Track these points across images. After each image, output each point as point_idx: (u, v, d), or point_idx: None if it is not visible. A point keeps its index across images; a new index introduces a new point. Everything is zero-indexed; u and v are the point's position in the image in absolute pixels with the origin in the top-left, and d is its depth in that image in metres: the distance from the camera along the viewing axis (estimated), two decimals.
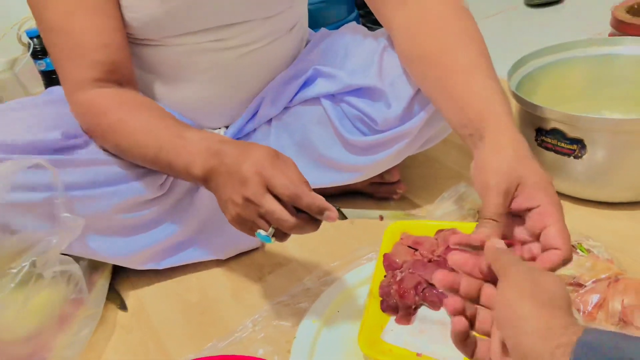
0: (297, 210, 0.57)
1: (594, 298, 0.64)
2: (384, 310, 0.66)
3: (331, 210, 0.57)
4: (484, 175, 0.56)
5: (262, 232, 0.59)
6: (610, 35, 1.25)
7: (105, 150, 0.77)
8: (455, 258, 0.49)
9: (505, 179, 0.54)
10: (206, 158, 0.63)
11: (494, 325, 0.45)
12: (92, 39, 0.72)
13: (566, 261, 0.50)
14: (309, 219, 0.58)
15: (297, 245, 0.88)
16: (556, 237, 0.50)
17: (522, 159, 0.55)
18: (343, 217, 0.58)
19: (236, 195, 0.59)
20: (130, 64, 0.78)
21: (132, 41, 0.80)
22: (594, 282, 0.66)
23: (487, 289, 0.47)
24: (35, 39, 1.73)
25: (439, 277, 0.49)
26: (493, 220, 0.52)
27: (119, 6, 0.75)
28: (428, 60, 0.71)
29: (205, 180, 0.64)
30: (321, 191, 0.93)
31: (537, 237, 0.52)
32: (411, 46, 0.75)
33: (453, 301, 0.47)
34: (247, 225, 0.60)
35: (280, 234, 0.59)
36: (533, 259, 0.51)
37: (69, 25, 0.72)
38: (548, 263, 0.50)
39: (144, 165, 0.75)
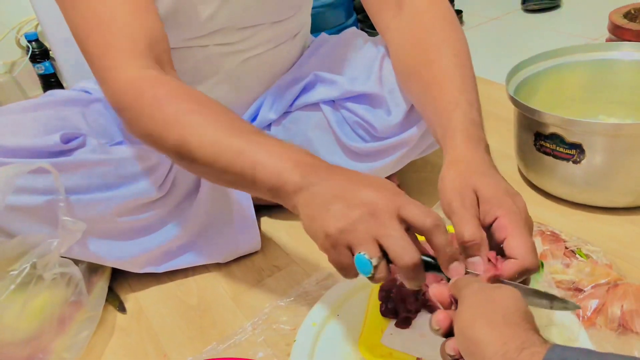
0: None
1: (593, 303, 0.64)
2: (383, 314, 0.66)
3: (461, 262, 0.49)
4: (442, 194, 0.54)
5: (366, 255, 0.47)
6: (608, 40, 1.25)
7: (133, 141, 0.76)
8: (434, 291, 0.49)
9: (458, 196, 0.52)
10: (310, 164, 0.53)
11: None
12: (129, 5, 0.63)
13: (527, 271, 0.48)
14: (419, 271, 0.48)
15: (297, 248, 0.88)
16: (514, 248, 0.49)
17: (472, 174, 0.54)
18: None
19: (355, 208, 0.48)
20: (167, 43, 0.68)
21: None
22: (593, 287, 0.66)
23: None
24: (33, 43, 1.73)
25: (434, 292, 0.49)
26: (472, 242, 0.49)
27: None
28: (410, 73, 0.72)
29: (298, 189, 0.52)
30: None
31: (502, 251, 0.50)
32: (397, 58, 0.76)
33: (443, 316, 0.46)
34: (346, 240, 0.48)
35: (383, 270, 0.48)
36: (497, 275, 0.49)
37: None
38: (505, 273, 0.48)
39: (200, 172, 0.64)
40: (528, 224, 0.51)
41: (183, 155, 0.59)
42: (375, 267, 0.48)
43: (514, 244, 0.49)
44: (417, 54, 0.71)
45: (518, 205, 0.52)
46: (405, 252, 0.47)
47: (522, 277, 0.49)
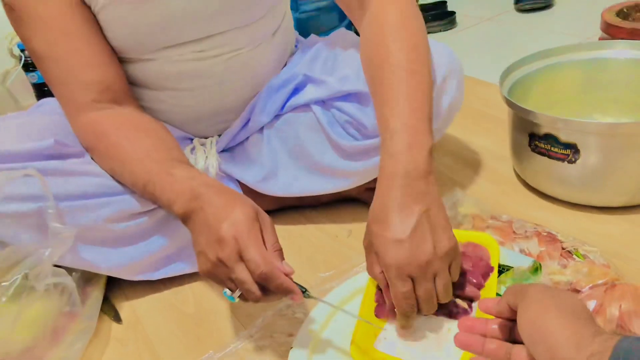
0: None
1: (591, 304, 0.64)
2: (378, 315, 0.66)
3: (297, 292, 0.60)
4: None
5: (228, 291, 0.61)
6: (601, 39, 1.25)
7: None
8: (461, 339, 0.52)
9: (366, 239, 0.63)
10: (188, 199, 0.64)
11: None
12: (78, 62, 0.74)
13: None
14: (274, 294, 0.60)
15: (293, 254, 0.88)
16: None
17: (373, 214, 0.62)
18: (309, 297, 0.62)
19: (211, 251, 0.60)
20: (123, 80, 0.80)
21: None
22: (590, 287, 0.66)
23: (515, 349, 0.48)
24: (26, 51, 1.73)
25: (460, 339, 0.51)
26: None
27: (99, 27, 0.76)
28: (370, 86, 0.74)
29: (184, 220, 0.66)
30: (316, 198, 0.94)
31: None
32: (363, 64, 0.77)
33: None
34: (216, 279, 0.62)
35: (246, 298, 0.61)
36: None
37: (54, 52, 0.73)
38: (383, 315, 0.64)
39: (135, 192, 0.77)
40: (399, 273, 0.58)
41: (117, 179, 0.76)
42: (240, 297, 0.61)
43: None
44: (367, 68, 0.74)
45: (394, 254, 0.58)
46: (249, 292, 0.59)
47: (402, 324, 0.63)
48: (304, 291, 0.61)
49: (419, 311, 0.61)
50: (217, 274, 0.61)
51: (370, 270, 0.63)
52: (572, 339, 0.38)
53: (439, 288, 0.60)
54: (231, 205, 0.61)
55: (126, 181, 0.75)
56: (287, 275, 0.59)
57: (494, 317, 0.50)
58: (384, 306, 0.65)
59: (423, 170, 0.62)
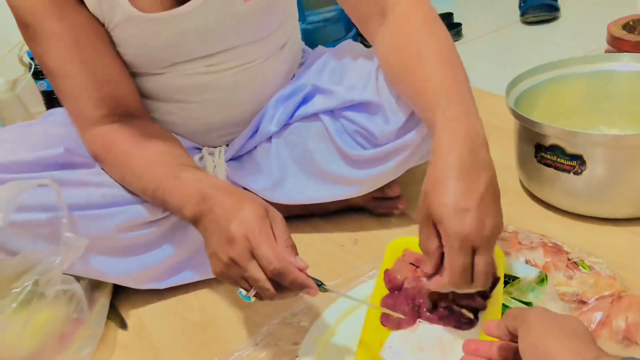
0: None
1: (597, 316, 0.64)
2: (383, 323, 0.66)
3: (312, 287, 0.59)
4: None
5: (243, 291, 0.61)
6: (607, 51, 1.26)
7: None
8: (488, 329, 0.52)
9: (422, 210, 0.60)
10: (197, 202, 0.64)
11: None
12: (91, 78, 0.75)
13: (451, 287, 0.58)
14: (290, 291, 0.60)
15: None
16: (445, 267, 0.58)
17: (430, 192, 0.58)
18: (325, 291, 0.61)
19: (222, 252, 0.60)
20: (136, 95, 0.81)
21: None
22: (596, 299, 0.66)
23: None
24: (36, 60, 1.74)
25: (488, 330, 0.51)
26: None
27: (113, 43, 0.77)
28: (395, 80, 0.75)
29: (195, 223, 0.66)
30: (322, 207, 0.95)
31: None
32: (384, 65, 0.78)
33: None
34: (229, 280, 0.62)
35: (262, 296, 0.61)
36: None
37: (67, 69, 0.74)
38: (432, 286, 0.61)
39: (145, 199, 0.77)
40: (464, 245, 0.55)
41: (127, 187, 0.77)
42: (255, 296, 0.60)
43: (445, 263, 0.57)
44: (400, 60, 0.73)
45: (459, 223, 0.55)
46: (264, 289, 0.58)
47: (448, 291, 0.60)
48: (319, 285, 0.59)
49: (474, 286, 0.58)
50: (231, 274, 0.60)
51: (424, 244, 0.60)
52: None
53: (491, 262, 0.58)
54: (240, 204, 0.61)
55: (136, 188, 0.76)
56: (301, 270, 0.58)
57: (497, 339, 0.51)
58: (389, 315, 0.66)
59: (483, 137, 0.60)
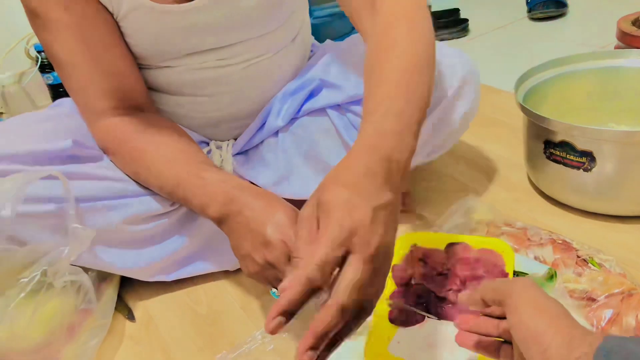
0: None
1: (607, 313, 0.64)
2: (391, 320, 0.66)
3: None
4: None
5: (277, 291, 0.53)
6: (616, 47, 1.25)
7: None
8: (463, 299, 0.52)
9: (310, 202, 0.51)
10: (223, 203, 0.64)
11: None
12: (99, 69, 0.75)
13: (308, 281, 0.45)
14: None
15: None
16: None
17: (333, 177, 0.51)
18: None
19: (258, 255, 0.60)
20: (144, 88, 0.81)
21: None
22: (606, 297, 0.65)
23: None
24: (42, 53, 1.75)
25: (463, 299, 0.51)
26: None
27: (121, 34, 0.77)
28: (364, 76, 0.68)
29: (219, 223, 0.65)
30: None
31: None
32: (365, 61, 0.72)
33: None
34: (262, 280, 0.62)
35: None
36: None
37: (75, 59, 0.74)
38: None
39: (160, 194, 0.77)
40: (341, 236, 0.46)
41: (141, 183, 0.77)
42: None
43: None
44: (370, 56, 0.67)
45: (348, 215, 0.47)
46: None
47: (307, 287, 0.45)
48: None
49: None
50: (266, 276, 0.61)
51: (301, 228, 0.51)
52: (564, 341, 0.39)
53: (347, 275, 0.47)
54: (272, 208, 0.61)
55: (152, 185, 0.75)
56: None
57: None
58: (397, 311, 0.66)
59: (404, 166, 0.54)
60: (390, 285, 0.70)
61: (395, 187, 0.52)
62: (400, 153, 0.54)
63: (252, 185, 0.68)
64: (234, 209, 0.63)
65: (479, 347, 0.50)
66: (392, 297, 0.68)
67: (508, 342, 0.48)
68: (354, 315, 0.46)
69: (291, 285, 0.45)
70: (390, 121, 0.55)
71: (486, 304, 0.49)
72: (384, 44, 0.66)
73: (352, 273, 0.46)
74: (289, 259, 0.58)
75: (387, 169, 0.52)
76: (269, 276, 0.61)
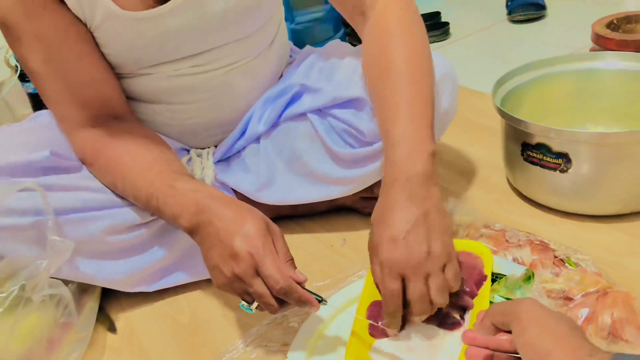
0: None
1: (584, 312, 0.64)
2: (371, 333, 0.66)
3: (314, 304, 0.61)
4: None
5: (245, 304, 0.63)
6: (592, 50, 1.27)
7: None
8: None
9: (370, 242, 0.65)
10: (194, 212, 0.65)
11: None
12: (75, 80, 0.75)
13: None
14: (292, 304, 0.62)
15: None
16: None
17: (378, 216, 0.64)
18: (324, 305, 0.63)
19: (226, 267, 0.61)
20: (121, 97, 0.80)
21: None
22: (582, 295, 0.66)
23: None
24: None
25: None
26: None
27: (95, 44, 0.76)
28: (370, 85, 0.76)
29: (191, 233, 0.66)
30: (311, 207, 0.95)
31: None
32: (364, 64, 0.79)
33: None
34: (232, 292, 0.63)
35: (264, 308, 0.62)
36: None
37: (50, 70, 0.74)
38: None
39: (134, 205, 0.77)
40: (391, 272, 0.60)
41: (118, 193, 0.77)
42: (257, 308, 0.62)
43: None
44: (373, 66, 0.75)
45: (386, 251, 0.60)
46: (268, 305, 0.60)
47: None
48: (320, 300, 0.61)
49: (412, 313, 0.61)
50: (234, 288, 0.62)
51: (373, 272, 0.63)
52: None
53: (432, 289, 0.60)
54: (242, 218, 0.62)
55: (128, 195, 0.75)
56: (301, 283, 0.60)
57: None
58: (377, 326, 0.66)
59: (423, 175, 0.63)
60: (371, 290, 0.70)
61: (422, 196, 0.62)
62: (415, 169, 0.63)
63: (224, 194, 0.68)
64: (204, 219, 0.63)
65: None
66: (370, 309, 0.68)
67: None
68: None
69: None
70: (400, 150, 0.65)
71: (497, 328, 0.50)
72: (383, 53, 0.72)
73: (414, 293, 0.60)
74: (256, 271, 0.59)
75: (408, 190, 0.62)
76: (237, 288, 0.61)
